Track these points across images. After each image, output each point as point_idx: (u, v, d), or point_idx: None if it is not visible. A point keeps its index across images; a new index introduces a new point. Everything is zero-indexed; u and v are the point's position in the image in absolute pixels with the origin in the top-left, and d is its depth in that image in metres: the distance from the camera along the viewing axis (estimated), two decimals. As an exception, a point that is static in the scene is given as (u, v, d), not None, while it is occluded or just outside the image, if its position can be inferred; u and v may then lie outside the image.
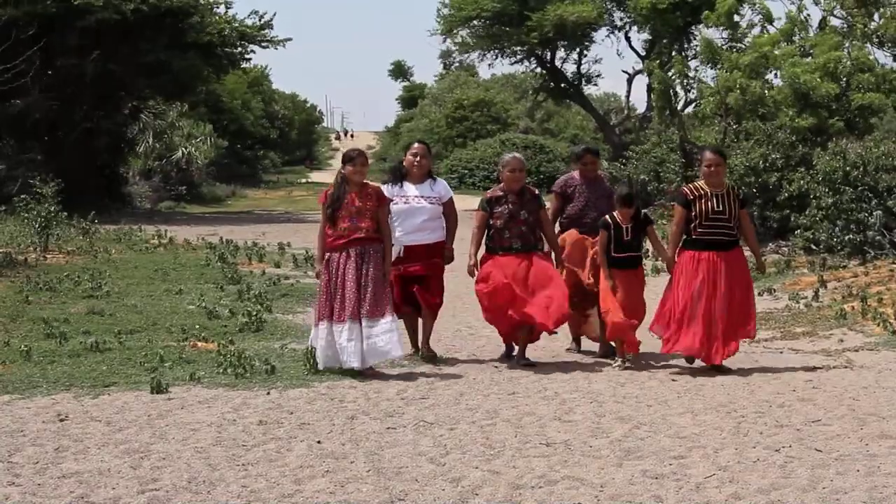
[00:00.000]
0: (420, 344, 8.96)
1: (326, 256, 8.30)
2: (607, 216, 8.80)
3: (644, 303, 8.83)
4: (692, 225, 8.58)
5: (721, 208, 8.55)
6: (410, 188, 8.86)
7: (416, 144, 9.27)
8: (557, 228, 9.28)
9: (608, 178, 9.85)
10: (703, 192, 8.61)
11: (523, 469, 5.74)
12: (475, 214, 8.88)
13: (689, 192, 8.72)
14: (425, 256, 8.79)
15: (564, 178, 9.55)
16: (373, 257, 8.21)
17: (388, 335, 8.08)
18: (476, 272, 8.73)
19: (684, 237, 8.69)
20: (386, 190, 8.74)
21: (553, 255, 8.94)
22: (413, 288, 8.76)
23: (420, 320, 8.99)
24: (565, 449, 6.15)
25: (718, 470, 5.71)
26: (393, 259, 8.52)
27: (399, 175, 8.94)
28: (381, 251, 8.27)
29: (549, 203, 9.32)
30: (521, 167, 8.86)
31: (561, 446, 6.20)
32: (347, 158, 8.44)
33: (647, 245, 9.49)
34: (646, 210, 9.57)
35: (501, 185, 8.89)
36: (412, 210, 8.77)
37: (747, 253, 9.02)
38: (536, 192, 9.02)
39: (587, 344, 9.50)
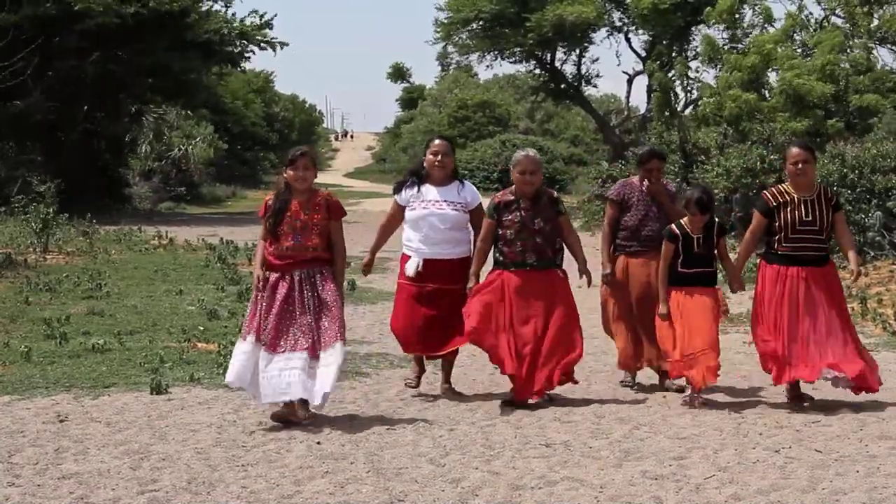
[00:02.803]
0: (440, 384, 7.77)
1: (266, 274, 6.88)
2: (673, 225, 7.42)
3: (716, 332, 7.36)
4: (776, 237, 7.19)
5: (810, 218, 7.14)
6: (431, 191, 7.55)
7: (436, 141, 7.73)
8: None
9: (675, 186, 8.38)
10: (788, 197, 7.19)
11: (523, 470, 5.74)
12: (482, 224, 7.48)
13: (771, 197, 7.27)
14: (448, 278, 7.44)
15: (622, 183, 8.14)
16: (325, 279, 6.81)
17: (334, 368, 6.67)
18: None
19: (766, 249, 7.35)
20: (402, 195, 7.63)
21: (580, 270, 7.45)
22: (428, 338, 7.48)
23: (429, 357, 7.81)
24: (565, 450, 6.15)
25: (718, 471, 5.71)
26: (411, 275, 7.47)
27: (418, 176, 7.64)
28: (332, 272, 6.87)
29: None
30: (533, 168, 7.35)
31: (561, 447, 6.20)
32: (289, 160, 6.89)
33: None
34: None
35: (512, 187, 7.50)
36: (433, 216, 7.47)
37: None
38: (555, 195, 7.54)
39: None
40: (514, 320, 7.26)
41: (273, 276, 6.82)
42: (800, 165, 7.16)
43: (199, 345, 9.43)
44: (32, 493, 5.35)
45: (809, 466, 5.78)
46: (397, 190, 7.74)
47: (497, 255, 7.41)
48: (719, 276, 7.70)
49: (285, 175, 6.91)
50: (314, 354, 6.70)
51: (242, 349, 6.78)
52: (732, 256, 7.71)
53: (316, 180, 6.95)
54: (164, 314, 11.26)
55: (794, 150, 7.29)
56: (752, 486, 5.44)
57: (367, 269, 7.92)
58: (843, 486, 5.43)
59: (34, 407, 7.18)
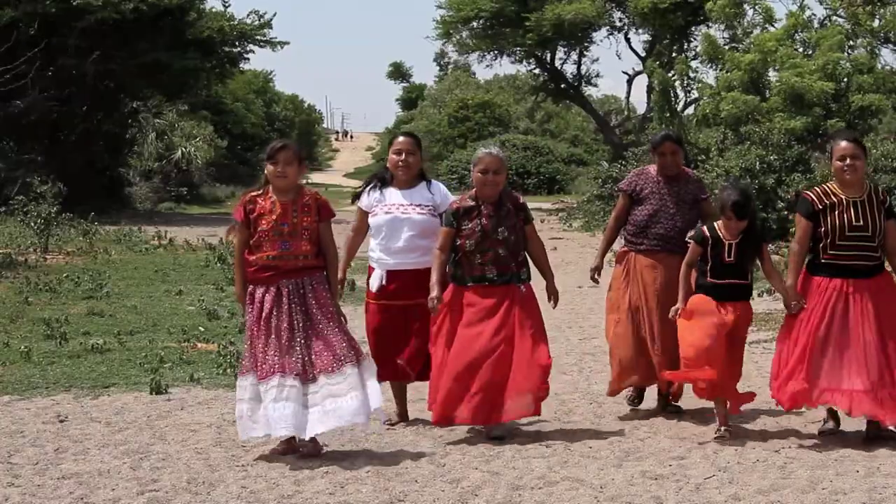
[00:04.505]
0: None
1: (249, 289, 6.09)
2: (705, 227, 6.49)
3: (741, 359, 6.59)
4: (821, 244, 6.27)
5: (861, 222, 6.21)
6: (394, 194, 6.75)
7: (399, 138, 6.91)
8: (619, 242, 7.32)
9: (696, 177, 7.37)
10: (835, 198, 6.26)
11: (523, 470, 5.75)
12: (439, 232, 6.57)
13: (815, 199, 6.30)
14: (415, 288, 6.55)
15: (636, 173, 7.33)
16: (316, 291, 6.03)
17: (354, 394, 5.96)
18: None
19: (809, 259, 6.42)
20: (363, 199, 6.84)
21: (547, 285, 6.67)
22: (401, 355, 6.69)
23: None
24: (565, 450, 6.15)
25: (718, 471, 5.71)
26: (374, 290, 6.72)
27: (381, 180, 6.85)
28: (325, 281, 6.12)
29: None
30: (496, 167, 6.45)
31: (560, 447, 6.21)
32: (268, 154, 6.11)
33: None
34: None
35: (473, 191, 6.58)
36: (396, 222, 6.67)
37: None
38: (521, 200, 6.65)
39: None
40: (467, 342, 6.37)
41: (259, 291, 6.01)
42: (848, 161, 6.22)
43: (199, 345, 9.43)
44: (32, 493, 5.36)
45: (809, 466, 5.78)
46: (357, 196, 6.97)
47: (454, 268, 6.51)
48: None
49: (266, 172, 6.13)
50: (307, 378, 5.95)
51: (243, 393, 6.05)
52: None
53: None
54: (164, 314, 11.27)
55: (843, 143, 6.32)
56: (752, 486, 5.44)
57: (339, 288, 6.67)
58: (843, 486, 5.43)
59: (34, 407, 7.18)
